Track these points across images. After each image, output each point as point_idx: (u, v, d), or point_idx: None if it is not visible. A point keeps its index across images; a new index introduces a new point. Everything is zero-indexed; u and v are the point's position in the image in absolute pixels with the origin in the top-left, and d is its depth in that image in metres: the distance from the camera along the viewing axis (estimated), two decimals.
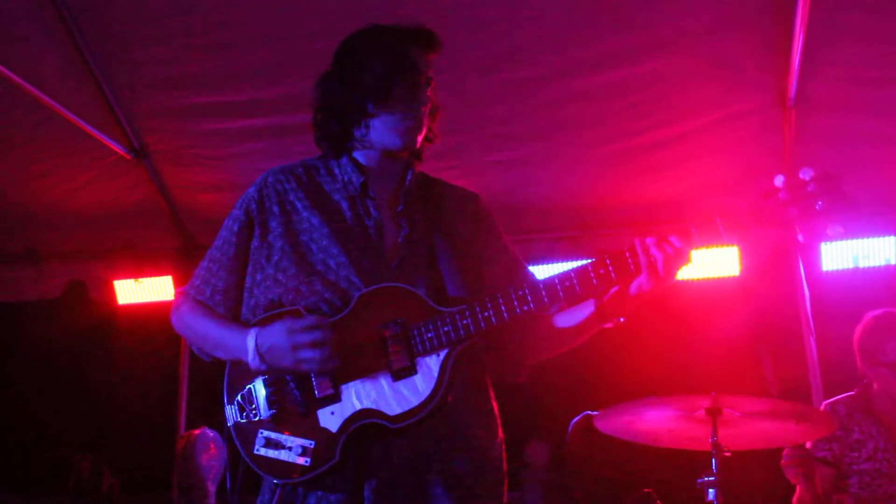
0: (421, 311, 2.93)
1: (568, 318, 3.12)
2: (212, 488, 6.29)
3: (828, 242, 7.09)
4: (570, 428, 6.34)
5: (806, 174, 2.72)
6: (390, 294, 2.96)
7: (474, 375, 3.09)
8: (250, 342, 2.93)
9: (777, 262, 7.26)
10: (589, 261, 2.90)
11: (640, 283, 2.90)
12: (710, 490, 4.31)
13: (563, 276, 2.88)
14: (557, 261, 7.37)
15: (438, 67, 5.25)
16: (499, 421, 3.14)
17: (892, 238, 7.09)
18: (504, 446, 3.14)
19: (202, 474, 6.29)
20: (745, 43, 5.79)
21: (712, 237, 2.84)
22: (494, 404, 3.15)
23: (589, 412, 6.02)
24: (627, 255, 2.86)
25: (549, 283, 2.89)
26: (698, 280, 7.23)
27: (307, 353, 2.85)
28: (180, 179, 7.10)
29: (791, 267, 7.20)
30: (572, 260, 7.33)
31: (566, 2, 5.55)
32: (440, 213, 3.20)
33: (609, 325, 3.06)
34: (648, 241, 2.85)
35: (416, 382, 2.89)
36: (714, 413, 4.43)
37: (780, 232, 2.78)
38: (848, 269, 7.18)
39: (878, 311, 5.37)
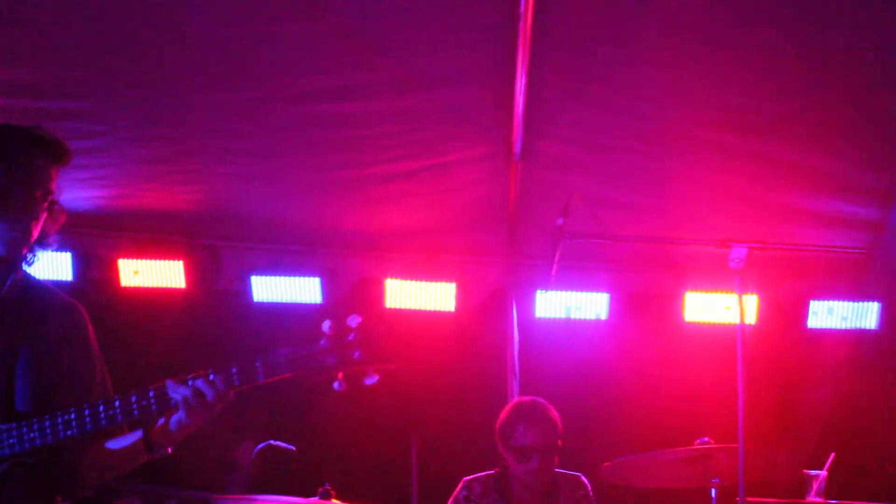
0: None
1: (118, 443, 3.08)
2: None
3: (543, 291, 7.31)
4: (254, 451, 6.33)
5: (352, 321, 2.76)
6: None
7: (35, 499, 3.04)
8: None
9: (493, 302, 7.45)
10: (135, 391, 2.88)
11: (179, 418, 2.89)
12: None
13: (108, 403, 2.87)
14: (283, 273, 7.39)
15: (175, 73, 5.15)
16: None
17: (604, 294, 7.37)
18: None
19: None
20: (478, 95, 5.88)
21: (252, 379, 2.83)
22: None
23: (272, 442, 6.02)
24: (166, 390, 2.85)
25: (93, 410, 2.87)
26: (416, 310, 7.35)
27: None
28: None
29: (506, 309, 7.41)
30: (297, 275, 7.37)
31: (310, 31, 5.49)
32: (34, 322, 3.09)
33: (156, 454, 3.01)
34: (188, 378, 2.84)
35: None
36: None
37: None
38: (560, 319, 7.41)
39: (521, 398, 5.61)
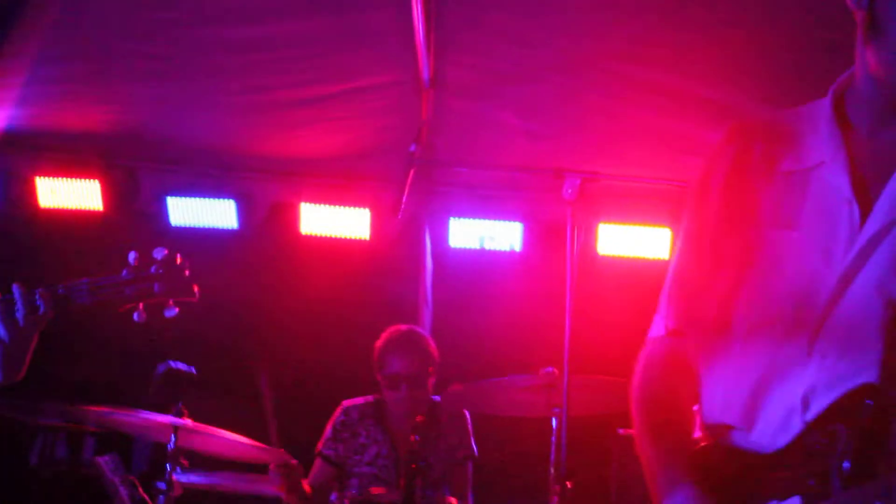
0: None
1: None
2: None
3: (457, 219, 7.35)
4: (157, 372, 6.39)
5: (158, 254, 2.82)
6: None
7: None
8: None
9: (408, 230, 7.48)
10: None
11: None
12: None
13: None
14: (199, 195, 7.39)
15: None
16: None
17: (518, 224, 7.39)
18: None
19: None
20: (382, 20, 5.85)
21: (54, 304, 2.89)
22: None
23: (171, 362, 6.05)
24: None
25: None
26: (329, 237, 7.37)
27: None
28: None
29: (419, 238, 7.44)
30: (213, 197, 7.38)
31: None
32: None
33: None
34: None
35: None
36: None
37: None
38: (474, 249, 7.45)
39: (397, 326, 5.65)
